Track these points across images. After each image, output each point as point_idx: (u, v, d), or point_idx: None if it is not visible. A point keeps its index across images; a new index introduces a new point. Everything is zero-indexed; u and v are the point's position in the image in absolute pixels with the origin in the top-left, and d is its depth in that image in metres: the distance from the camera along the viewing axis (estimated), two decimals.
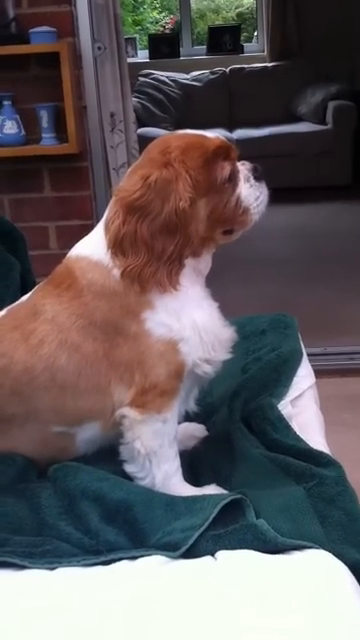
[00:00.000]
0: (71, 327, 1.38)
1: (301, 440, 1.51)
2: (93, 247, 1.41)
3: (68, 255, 1.46)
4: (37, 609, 1.10)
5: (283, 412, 1.62)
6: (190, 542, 1.19)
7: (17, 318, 1.46)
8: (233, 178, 1.40)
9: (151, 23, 8.60)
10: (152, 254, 1.33)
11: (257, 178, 1.44)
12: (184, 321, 1.37)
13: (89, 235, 1.46)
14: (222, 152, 1.38)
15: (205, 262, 1.45)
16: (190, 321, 1.38)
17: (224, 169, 1.38)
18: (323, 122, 6.59)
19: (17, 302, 1.54)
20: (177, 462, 1.42)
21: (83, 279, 1.39)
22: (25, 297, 1.53)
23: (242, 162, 1.44)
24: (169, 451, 1.40)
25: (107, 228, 1.37)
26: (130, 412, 1.38)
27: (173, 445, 1.41)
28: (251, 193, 1.42)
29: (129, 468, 1.41)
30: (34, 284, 1.88)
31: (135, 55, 7.43)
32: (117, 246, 1.34)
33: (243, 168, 1.44)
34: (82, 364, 1.39)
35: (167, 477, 1.40)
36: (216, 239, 1.43)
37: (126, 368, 1.38)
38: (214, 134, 1.42)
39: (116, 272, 1.36)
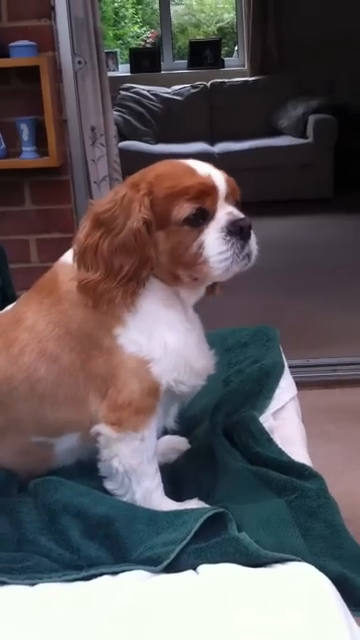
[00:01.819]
0: (49, 336, 1.38)
1: (283, 453, 1.50)
2: None
3: (57, 261, 1.46)
4: (16, 625, 1.09)
5: (265, 425, 1.62)
6: (172, 556, 1.19)
7: (0, 326, 1.45)
8: (201, 222, 1.32)
9: (132, 37, 8.64)
10: (109, 271, 1.31)
11: (232, 232, 1.32)
12: (154, 342, 1.35)
13: None
14: (192, 192, 1.31)
15: (187, 293, 1.42)
16: (161, 342, 1.36)
17: (181, 209, 1.30)
18: (304, 136, 6.64)
19: (2, 311, 1.53)
20: (157, 478, 1.41)
21: (64, 286, 1.39)
22: (10, 306, 1.52)
23: (229, 211, 1.34)
24: (148, 468, 1.39)
25: (74, 239, 1.36)
26: (106, 430, 1.36)
27: (152, 462, 1.40)
28: (215, 245, 1.32)
29: (109, 485, 1.40)
30: (14, 298, 1.87)
31: (116, 69, 7.46)
32: (80, 258, 1.33)
33: (224, 217, 1.33)
34: (61, 375, 1.38)
35: (148, 493, 1.39)
36: (183, 280, 1.38)
37: (102, 381, 1.37)
38: (208, 172, 1.34)
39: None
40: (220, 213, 1.33)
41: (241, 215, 1.34)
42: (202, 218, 1.32)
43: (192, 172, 1.33)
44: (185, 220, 1.31)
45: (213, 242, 1.32)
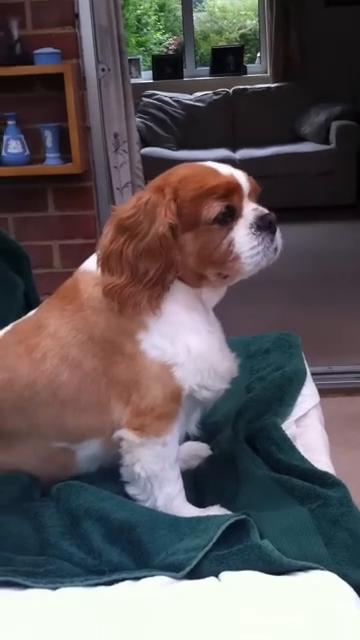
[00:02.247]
0: (72, 342, 1.39)
1: (305, 460, 1.50)
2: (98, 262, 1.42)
3: (78, 268, 1.47)
4: (38, 629, 1.09)
5: (287, 432, 1.62)
6: (194, 563, 1.19)
7: (22, 332, 1.46)
8: (229, 220, 1.34)
9: (155, 44, 8.67)
10: (135, 275, 1.32)
11: (261, 227, 1.35)
12: (178, 346, 1.36)
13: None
14: (219, 191, 1.33)
15: (209, 294, 1.43)
16: (184, 346, 1.36)
17: (211, 208, 1.32)
18: (326, 142, 6.62)
19: (23, 317, 1.54)
20: (179, 484, 1.41)
21: (85, 293, 1.40)
22: (31, 312, 1.53)
23: (255, 207, 1.37)
24: (171, 473, 1.39)
25: (98, 244, 1.37)
26: (129, 435, 1.37)
27: (174, 467, 1.40)
28: (247, 241, 1.34)
29: (131, 490, 1.40)
30: (38, 303, 1.88)
31: (139, 76, 7.49)
32: (104, 263, 1.34)
33: (251, 213, 1.36)
34: (83, 381, 1.39)
35: (169, 499, 1.39)
36: (210, 280, 1.39)
37: (124, 387, 1.37)
38: (230, 170, 1.37)
39: None
40: (246, 210, 1.36)
41: (266, 210, 1.37)
42: (230, 216, 1.35)
43: (216, 172, 1.36)
44: (215, 219, 1.33)
45: (244, 238, 1.35)
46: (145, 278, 1.32)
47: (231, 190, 1.34)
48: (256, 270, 1.38)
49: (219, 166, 1.38)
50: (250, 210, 1.36)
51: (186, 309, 1.40)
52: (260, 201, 1.42)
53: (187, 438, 1.54)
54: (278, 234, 1.38)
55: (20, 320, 1.53)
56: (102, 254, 1.35)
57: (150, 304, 1.33)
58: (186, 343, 1.37)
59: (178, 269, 1.35)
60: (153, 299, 1.33)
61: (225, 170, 1.37)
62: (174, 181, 1.35)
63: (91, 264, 1.43)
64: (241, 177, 1.37)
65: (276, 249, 1.37)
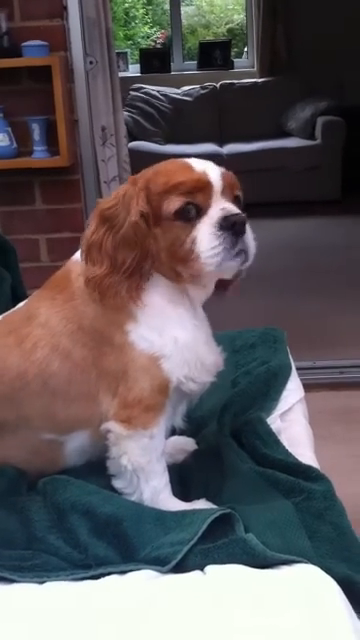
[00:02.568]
0: (62, 332, 1.39)
1: (290, 454, 1.51)
2: None
3: (70, 258, 1.48)
4: (25, 623, 1.10)
5: (272, 426, 1.63)
6: (179, 556, 1.20)
7: (12, 322, 1.46)
8: (193, 218, 1.33)
9: (142, 38, 8.65)
10: (114, 265, 1.34)
11: (223, 227, 1.31)
12: (166, 338, 1.37)
13: None
14: (184, 188, 1.32)
15: (196, 291, 1.43)
16: (171, 338, 1.37)
17: (170, 203, 1.32)
18: (312, 137, 6.64)
19: (14, 308, 1.54)
20: (166, 477, 1.42)
21: (76, 282, 1.41)
22: (21, 303, 1.53)
23: (223, 207, 1.33)
24: (157, 467, 1.40)
25: (83, 236, 1.39)
26: (115, 427, 1.37)
27: (161, 460, 1.41)
28: (207, 240, 1.32)
29: (117, 484, 1.40)
30: (25, 296, 1.87)
31: (126, 69, 7.47)
32: (86, 254, 1.36)
33: (218, 213, 1.33)
34: (73, 371, 1.39)
35: (155, 493, 1.39)
36: (184, 277, 1.39)
37: (113, 378, 1.38)
38: (204, 168, 1.35)
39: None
40: (214, 209, 1.33)
41: (235, 210, 1.34)
42: (196, 214, 1.33)
43: (188, 168, 1.36)
44: (176, 214, 1.33)
45: (204, 237, 1.32)
46: (123, 267, 1.33)
47: (198, 188, 1.33)
48: (220, 272, 1.37)
49: (197, 163, 1.37)
50: (218, 209, 1.33)
51: (172, 304, 1.40)
52: (245, 196, 1.41)
53: (173, 432, 1.55)
54: (248, 237, 1.33)
55: (9, 311, 1.53)
56: (85, 245, 1.37)
57: (130, 294, 1.34)
58: (173, 335, 1.37)
59: (153, 259, 1.36)
60: (132, 289, 1.34)
61: (199, 167, 1.36)
62: (149, 174, 1.37)
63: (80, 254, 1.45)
64: (214, 174, 1.35)
65: (245, 252, 1.33)
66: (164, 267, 1.38)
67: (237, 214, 1.33)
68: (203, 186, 1.33)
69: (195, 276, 1.38)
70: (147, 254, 1.35)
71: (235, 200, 1.38)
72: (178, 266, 1.37)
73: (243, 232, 1.33)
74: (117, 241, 1.34)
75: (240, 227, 1.32)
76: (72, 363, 1.39)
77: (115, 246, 1.34)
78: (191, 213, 1.33)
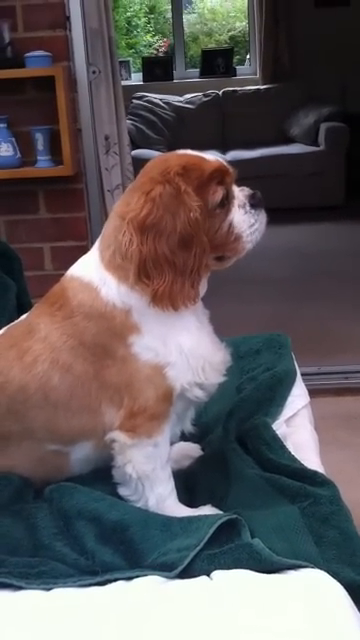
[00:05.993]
0: (62, 347, 1.39)
1: (296, 460, 1.51)
2: (86, 268, 1.42)
3: (65, 274, 1.47)
4: (31, 630, 1.10)
5: (278, 432, 1.63)
6: (186, 562, 1.20)
7: (13, 336, 1.47)
8: (226, 203, 1.38)
9: (145, 46, 8.68)
10: (176, 271, 1.31)
11: (254, 205, 1.40)
12: (170, 345, 1.37)
13: (85, 255, 1.47)
14: (217, 176, 1.36)
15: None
16: (176, 345, 1.37)
17: (216, 193, 1.36)
18: (315, 143, 6.65)
19: (15, 321, 1.55)
20: (171, 484, 1.43)
21: (74, 299, 1.40)
22: (23, 316, 1.54)
23: (241, 188, 1.41)
24: (162, 474, 1.40)
25: (125, 255, 1.33)
26: (120, 436, 1.38)
27: (166, 468, 1.42)
28: (245, 220, 1.39)
29: (122, 491, 1.41)
30: (30, 305, 1.89)
31: (129, 78, 7.49)
32: (141, 271, 1.30)
33: (240, 194, 1.40)
34: (74, 384, 1.39)
35: (161, 500, 1.40)
36: (209, 264, 1.40)
37: (115, 390, 1.38)
38: (213, 156, 1.41)
39: (105, 293, 1.37)
40: (235, 191, 1.41)
41: (246, 188, 1.42)
42: (226, 199, 1.38)
43: (203, 159, 1.39)
44: (220, 203, 1.37)
45: (241, 218, 1.39)
46: (186, 270, 1.32)
47: (225, 174, 1.39)
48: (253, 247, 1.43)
49: (199, 153, 1.41)
50: (238, 191, 1.41)
51: None
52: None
53: (183, 436, 1.55)
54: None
55: (12, 324, 1.54)
56: (138, 263, 1.30)
57: (196, 292, 1.35)
58: (177, 342, 1.38)
59: (210, 250, 1.37)
60: (193, 288, 1.34)
61: (209, 156, 1.41)
62: (177, 171, 1.34)
63: (77, 270, 1.44)
64: (224, 160, 1.42)
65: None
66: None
67: (256, 191, 1.42)
68: (227, 172, 1.39)
69: (225, 259, 1.43)
70: (205, 248, 1.34)
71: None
72: (211, 254, 1.39)
73: (263, 206, 1.41)
74: (173, 244, 1.30)
75: (262, 202, 1.41)
76: (72, 377, 1.39)
77: (172, 250, 1.30)
78: (224, 199, 1.38)
